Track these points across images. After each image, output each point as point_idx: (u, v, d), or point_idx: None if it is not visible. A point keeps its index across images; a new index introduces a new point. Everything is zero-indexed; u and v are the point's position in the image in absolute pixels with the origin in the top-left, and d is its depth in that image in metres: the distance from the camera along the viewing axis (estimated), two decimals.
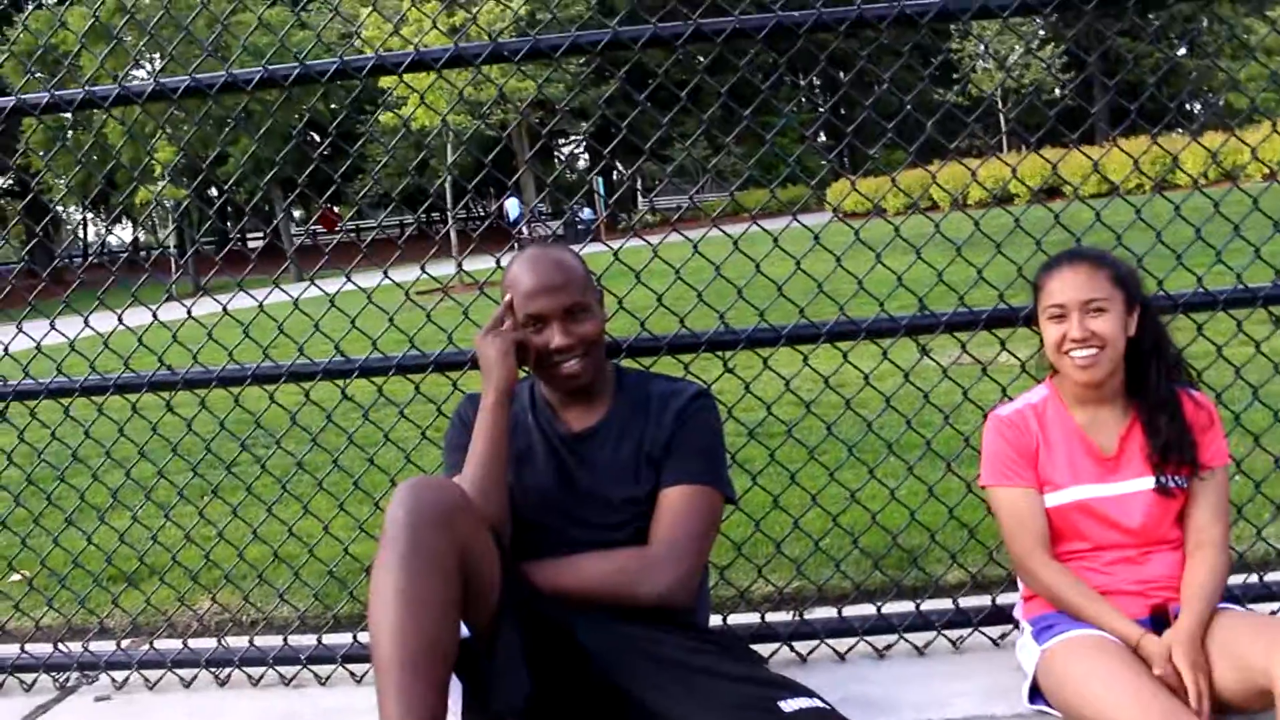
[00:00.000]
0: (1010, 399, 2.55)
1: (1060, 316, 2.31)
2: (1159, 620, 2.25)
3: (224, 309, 2.94)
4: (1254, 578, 2.82)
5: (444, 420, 2.51)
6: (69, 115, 2.88)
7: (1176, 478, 2.33)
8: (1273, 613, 2.76)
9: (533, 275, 2.26)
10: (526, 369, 2.35)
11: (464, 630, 1.98)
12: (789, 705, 1.93)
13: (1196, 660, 2.09)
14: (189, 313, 2.90)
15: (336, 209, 37.58)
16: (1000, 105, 26.92)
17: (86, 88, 2.79)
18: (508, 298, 2.29)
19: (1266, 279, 2.74)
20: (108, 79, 3.03)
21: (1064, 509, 2.36)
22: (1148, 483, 2.33)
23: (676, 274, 2.71)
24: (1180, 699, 2.03)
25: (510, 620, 2.02)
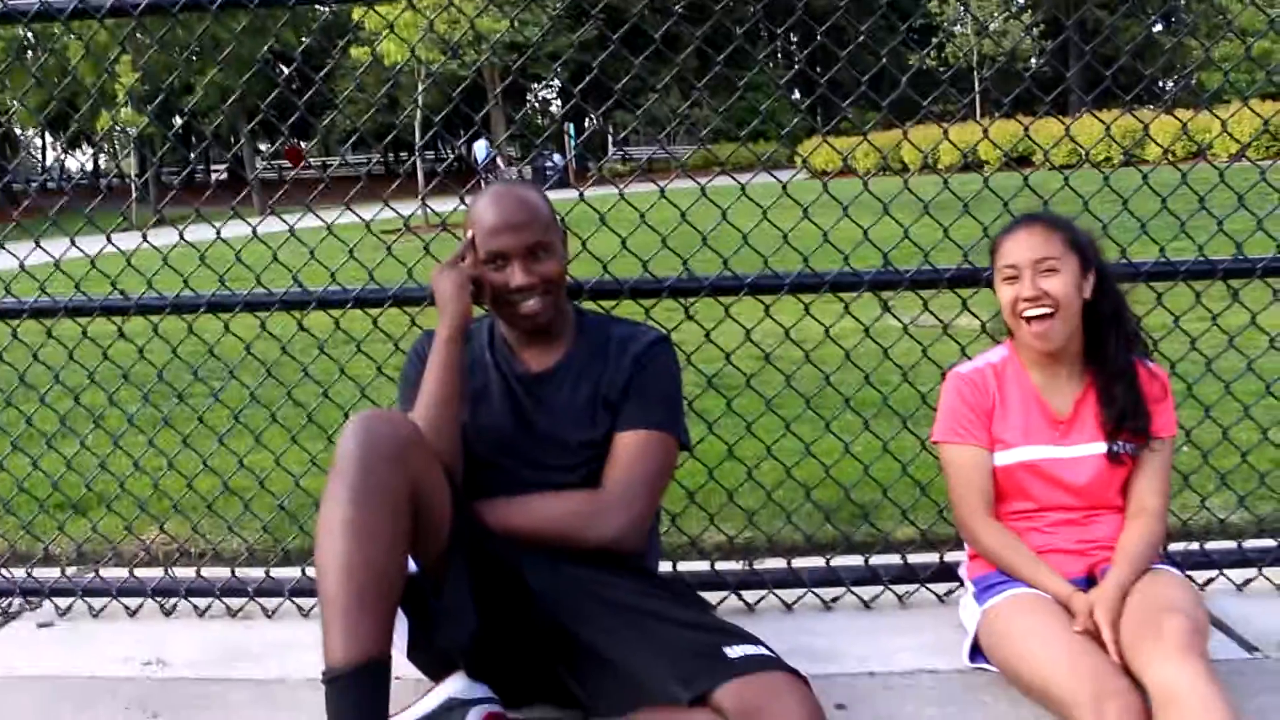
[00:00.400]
0: (968, 358, 2.56)
1: (1013, 277, 2.32)
2: (1094, 581, 2.28)
3: (180, 235, 2.89)
4: (1195, 545, 2.87)
5: (401, 356, 2.49)
6: (24, 32, 2.79)
7: (1128, 446, 2.35)
8: (1209, 581, 2.82)
9: (496, 212, 2.23)
10: (485, 306, 2.32)
11: (412, 566, 1.98)
12: (734, 651, 1.95)
13: (1114, 619, 2.12)
14: (144, 238, 2.85)
15: (303, 144, 37.05)
16: (976, 70, 26.95)
17: None
18: (469, 234, 2.26)
19: (1228, 253, 2.76)
20: None
21: (1013, 468, 2.38)
22: (1099, 448, 2.35)
23: (642, 218, 2.69)
24: (1111, 659, 2.06)
25: (459, 558, 2.02)
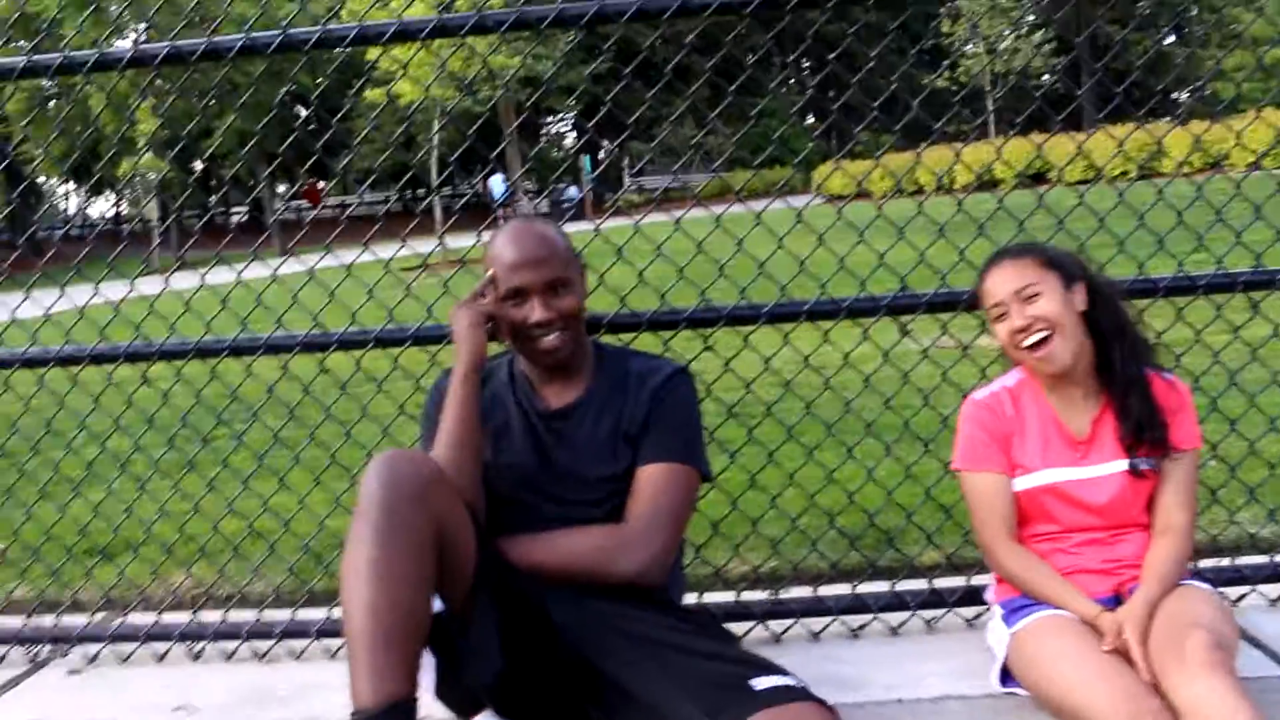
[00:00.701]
0: (988, 381, 2.55)
1: (1002, 315, 2.33)
2: (1122, 601, 2.26)
3: (202, 280, 2.91)
4: (1226, 561, 2.84)
5: (422, 394, 2.50)
6: (47, 83, 2.84)
7: (1149, 460, 2.33)
8: (1241, 597, 2.78)
9: (515, 248, 2.24)
10: (505, 342, 2.33)
11: (437, 604, 1.98)
12: (760, 683, 1.93)
13: (1143, 637, 2.10)
14: (166, 282, 2.87)
15: (321, 185, 37.38)
16: (988, 89, 26.95)
17: (65, 53, 2.75)
18: (490, 271, 2.28)
19: (1247, 265, 2.75)
20: (90, 46, 2.99)
21: (1034, 492, 2.37)
22: (1119, 466, 2.33)
23: (658, 250, 2.70)
24: (1144, 679, 2.03)
25: (485, 596, 2.01)
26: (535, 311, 2.22)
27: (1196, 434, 2.38)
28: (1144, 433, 2.31)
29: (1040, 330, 2.28)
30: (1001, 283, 2.33)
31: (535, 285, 2.22)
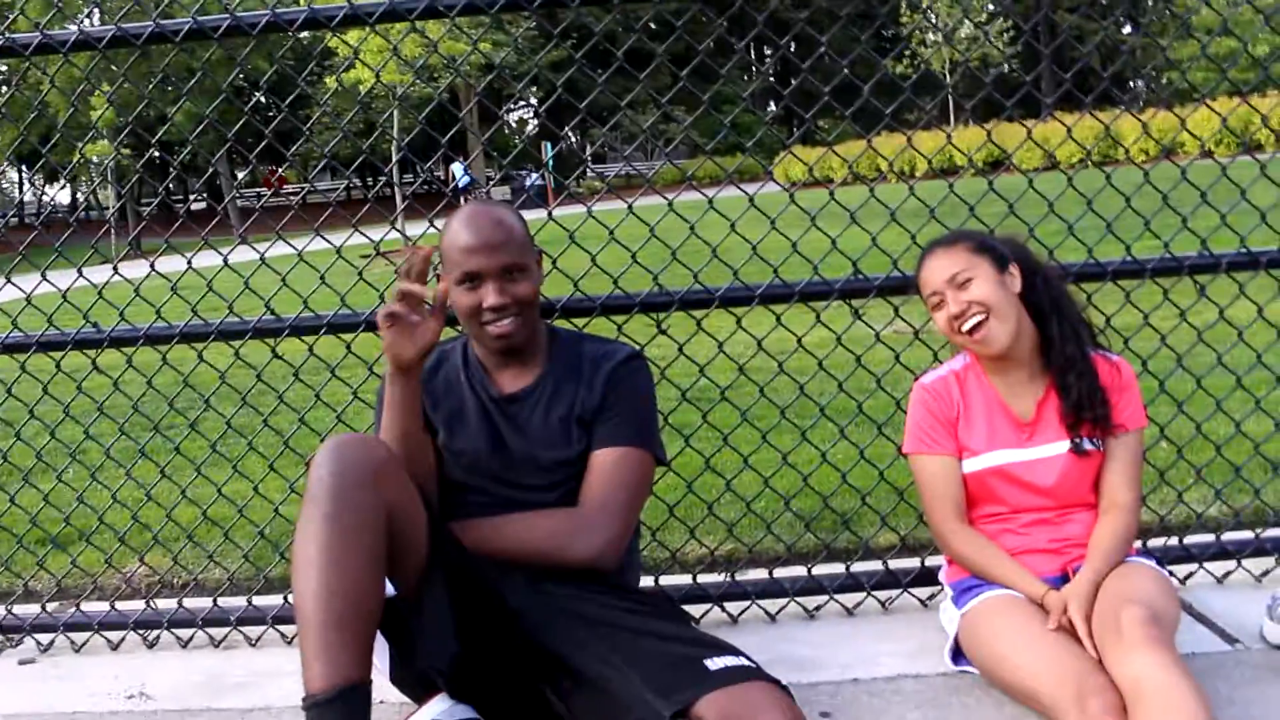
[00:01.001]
0: (939, 364, 2.58)
1: (940, 303, 2.37)
2: (1068, 579, 2.30)
3: (151, 266, 2.88)
4: (1174, 540, 2.89)
5: (376, 380, 2.49)
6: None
7: (1092, 439, 2.37)
8: (1189, 575, 2.84)
9: (471, 232, 2.21)
10: (459, 328, 2.32)
11: (390, 589, 1.97)
12: (714, 663, 1.95)
13: (1087, 614, 2.13)
14: (115, 269, 2.84)
15: (281, 172, 36.98)
16: (947, 78, 27.12)
17: (6, 34, 2.70)
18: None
19: (1193, 249, 2.79)
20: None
21: (982, 474, 2.40)
22: (1063, 446, 2.37)
23: (610, 234, 2.70)
24: (1091, 656, 2.07)
25: (438, 580, 2.02)
26: (489, 296, 2.20)
27: (1141, 414, 2.42)
28: (1084, 411, 2.34)
29: (976, 314, 2.31)
30: (936, 271, 2.37)
31: (490, 270, 2.20)
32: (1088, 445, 2.36)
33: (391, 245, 3.30)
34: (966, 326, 2.32)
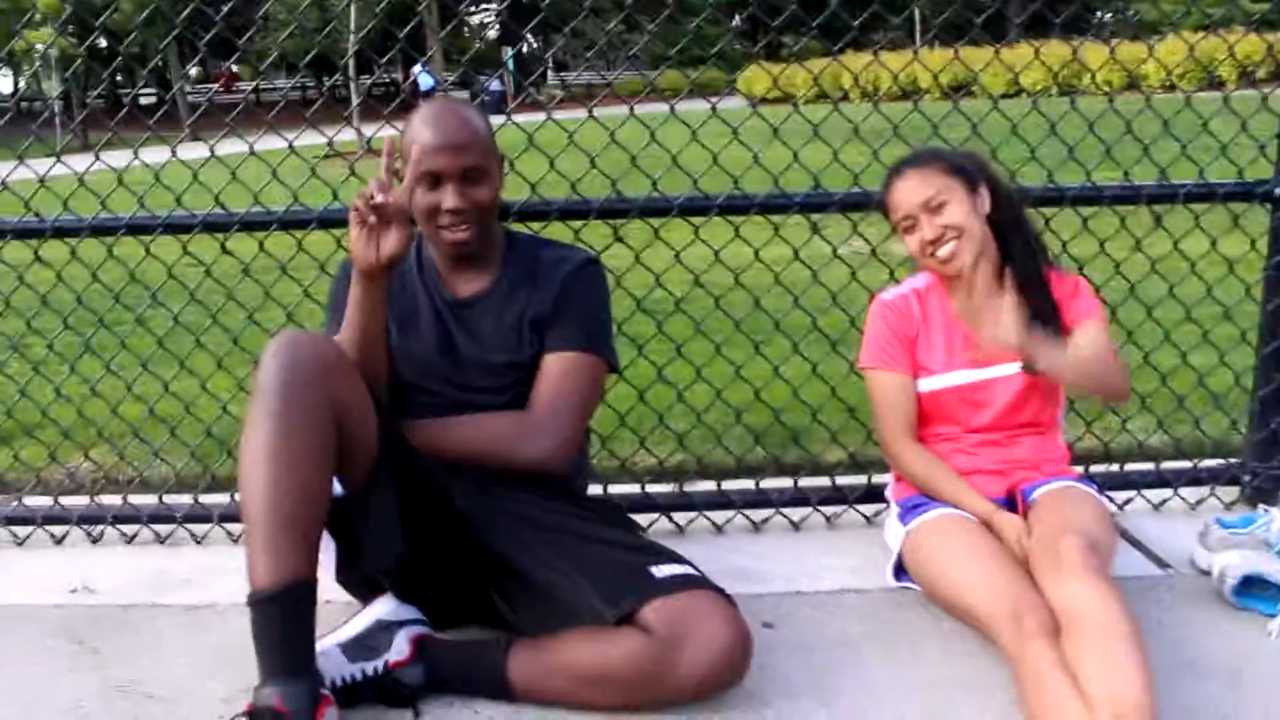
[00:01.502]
0: (898, 283, 2.58)
1: (911, 226, 2.35)
2: (1014, 500, 2.34)
3: (96, 156, 2.80)
4: (1115, 467, 2.95)
5: (328, 279, 2.45)
6: None
7: None
8: (1128, 501, 2.90)
9: (436, 130, 2.15)
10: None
11: (338, 489, 1.96)
12: (660, 571, 1.97)
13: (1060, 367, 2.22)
14: (58, 158, 2.76)
15: (233, 66, 36.02)
16: None
17: None
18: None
19: (1153, 179, 2.80)
20: None
21: (937, 393, 2.42)
22: (1015, 366, 2.38)
23: (570, 138, 2.66)
24: (1029, 576, 2.10)
25: (386, 481, 2.01)
26: (448, 198, 2.15)
27: (1097, 307, 2.42)
28: (1037, 327, 2.35)
29: (951, 239, 2.30)
30: (908, 194, 2.35)
31: (451, 171, 2.14)
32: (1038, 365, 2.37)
33: (347, 146, 3.23)
34: (942, 252, 2.31)
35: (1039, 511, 2.24)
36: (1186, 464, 2.98)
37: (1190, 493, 2.94)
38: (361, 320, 2.10)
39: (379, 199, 2.00)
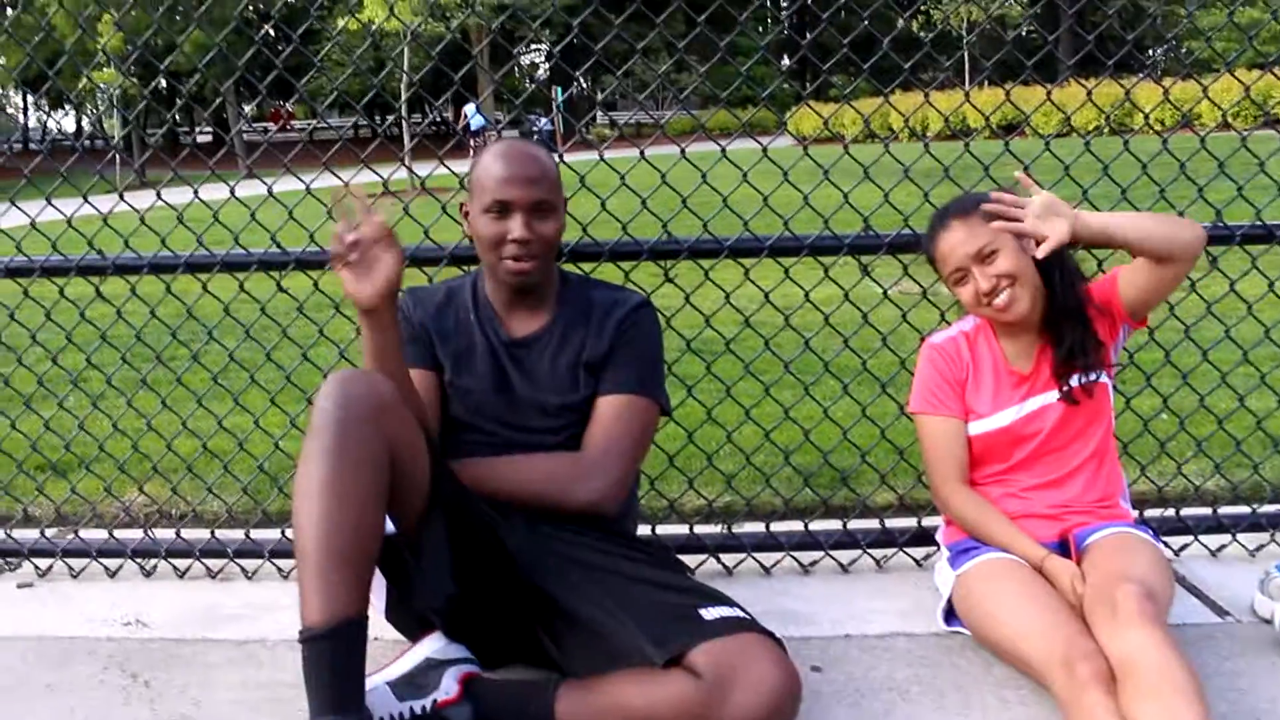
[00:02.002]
0: (947, 324, 2.57)
1: (963, 279, 2.32)
2: (1067, 545, 2.30)
3: (158, 195, 2.86)
4: (1170, 511, 2.90)
5: None
6: None
7: (1083, 377, 2.34)
8: (1184, 547, 2.84)
9: (508, 163, 2.21)
10: (464, 269, 2.31)
11: (390, 526, 1.98)
12: (709, 613, 1.96)
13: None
14: (120, 197, 2.82)
15: (289, 106, 36.70)
16: (965, 35, 26.81)
17: None
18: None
19: (1208, 220, 2.77)
20: None
21: (988, 436, 2.39)
22: (1053, 395, 2.35)
23: (621, 179, 2.68)
24: (1082, 621, 2.07)
25: (438, 519, 2.02)
26: (516, 228, 2.19)
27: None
28: (1075, 358, 2.32)
29: (1005, 287, 2.28)
30: (957, 246, 2.31)
31: (522, 203, 2.19)
32: (1078, 384, 2.33)
33: (400, 185, 3.27)
34: (999, 301, 2.29)
35: (1094, 558, 2.21)
36: (1245, 509, 2.92)
37: (1249, 538, 2.87)
38: (376, 363, 2.10)
39: (352, 236, 2.02)
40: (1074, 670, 1.92)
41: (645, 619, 1.95)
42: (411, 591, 2.05)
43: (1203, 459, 3.07)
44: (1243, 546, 2.86)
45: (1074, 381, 2.34)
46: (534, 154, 2.26)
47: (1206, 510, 2.93)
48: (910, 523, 2.86)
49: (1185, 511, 2.91)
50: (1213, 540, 2.86)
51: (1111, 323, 2.37)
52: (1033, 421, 2.37)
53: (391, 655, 2.08)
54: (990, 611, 2.22)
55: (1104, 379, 2.37)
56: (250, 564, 2.93)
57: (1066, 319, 2.33)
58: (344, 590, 1.81)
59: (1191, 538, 2.86)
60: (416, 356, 2.29)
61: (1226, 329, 2.92)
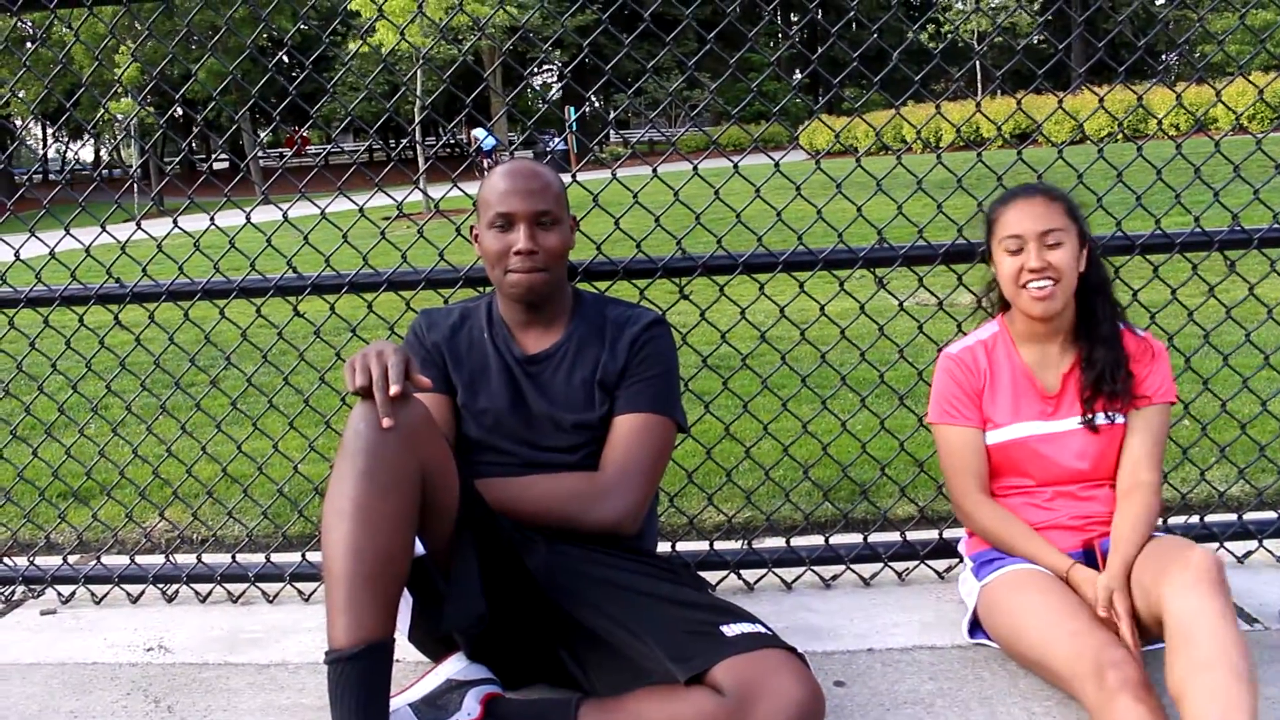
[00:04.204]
0: (965, 334, 2.55)
1: (1018, 249, 2.30)
2: (1091, 553, 2.28)
3: (174, 223, 2.88)
4: (1194, 518, 2.87)
5: (397, 340, 2.49)
6: (17, 21, 2.78)
7: (1108, 413, 2.34)
8: None
9: (509, 178, 2.25)
10: (479, 289, 2.32)
11: (419, 548, 1.97)
12: (731, 630, 1.94)
13: (1129, 607, 2.09)
14: (138, 225, 2.84)
15: (303, 131, 36.93)
16: (976, 45, 26.86)
17: None
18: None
19: (1224, 225, 2.75)
20: None
21: (1005, 446, 2.38)
22: (1075, 421, 2.34)
23: (634, 197, 2.68)
24: (1109, 630, 2.05)
25: (467, 541, 2.01)
26: (520, 239, 2.21)
27: (1170, 389, 2.37)
28: (1103, 385, 2.31)
29: (1049, 277, 2.27)
30: (1029, 219, 2.29)
31: (523, 213, 2.21)
32: (1101, 419, 2.33)
33: (414, 207, 3.28)
34: (1036, 284, 2.27)
35: (1147, 547, 2.17)
36: (1271, 514, 2.90)
37: (1276, 544, 2.85)
38: None
39: (396, 389, 1.88)
40: (1104, 679, 1.90)
41: (666, 637, 1.94)
42: (441, 612, 2.04)
43: (1226, 465, 3.04)
44: (1269, 552, 2.83)
45: (1104, 414, 2.33)
46: (535, 169, 2.29)
47: (1232, 517, 2.90)
48: (931, 535, 2.84)
49: (1210, 518, 2.88)
50: (1238, 547, 2.84)
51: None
52: (1060, 441, 2.35)
53: (413, 677, 2.08)
54: (1017, 622, 2.20)
55: (1121, 420, 2.35)
56: (271, 587, 2.94)
57: (1101, 346, 2.33)
58: (372, 613, 1.80)
59: (1217, 544, 2.83)
60: None
61: (1247, 333, 2.90)
